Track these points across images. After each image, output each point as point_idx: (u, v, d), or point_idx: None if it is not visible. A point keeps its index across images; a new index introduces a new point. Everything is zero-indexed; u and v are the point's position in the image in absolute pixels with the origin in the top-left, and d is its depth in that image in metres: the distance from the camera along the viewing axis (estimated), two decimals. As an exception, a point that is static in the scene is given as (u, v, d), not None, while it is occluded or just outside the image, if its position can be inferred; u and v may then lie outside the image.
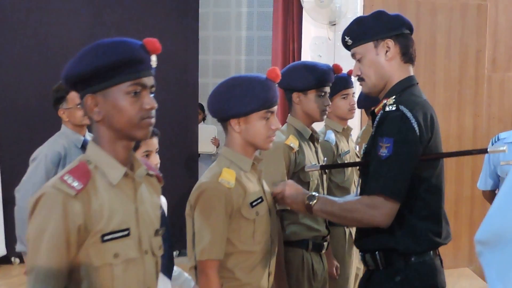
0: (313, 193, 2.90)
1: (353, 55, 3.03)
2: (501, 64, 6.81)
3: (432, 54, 6.58)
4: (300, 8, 6.67)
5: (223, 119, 2.84)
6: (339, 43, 6.36)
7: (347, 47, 3.05)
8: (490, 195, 4.94)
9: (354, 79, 4.47)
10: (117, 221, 2.06)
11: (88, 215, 1.99)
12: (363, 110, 5.67)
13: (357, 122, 6.37)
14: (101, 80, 2.06)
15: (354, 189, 4.35)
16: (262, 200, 2.84)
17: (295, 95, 3.63)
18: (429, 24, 6.57)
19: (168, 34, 7.06)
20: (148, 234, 2.19)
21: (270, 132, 2.83)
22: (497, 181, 4.83)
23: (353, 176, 4.36)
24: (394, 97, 2.85)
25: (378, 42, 2.95)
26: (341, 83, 4.30)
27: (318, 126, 4.11)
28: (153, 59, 2.13)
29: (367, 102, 5.20)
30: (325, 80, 3.65)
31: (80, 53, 2.07)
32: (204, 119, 8.66)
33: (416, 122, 2.75)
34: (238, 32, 8.39)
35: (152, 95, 2.14)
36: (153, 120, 2.13)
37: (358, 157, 4.57)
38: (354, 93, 4.48)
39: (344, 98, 4.40)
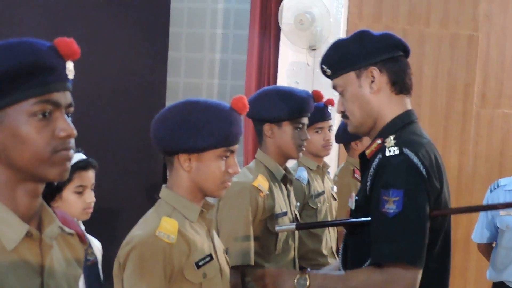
0: (300, 274, 2.32)
1: (334, 88, 2.56)
2: (490, 99, 6.40)
3: (418, 86, 6.16)
4: (278, 31, 6.24)
5: (170, 152, 2.28)
6: (319, 70, 5.97)
7: (328, 77, 2.58)
8: (486, 249, 4.48)
9: (332, 109, 4.03)
10: None
11: None
12: (341, 144, 5.16)
13: (334, 158, 5.89)
14: None
15: (328, 236, 3.86)
16: (211, 259, 2.27)
17: (266, 127, 3.10)
18: (416, 54, 6.15)
19: (134, 52, 6.63)
20: None
21: (226, 177, 2.27)
22: (495, 233, 4.38)
23: (327, 222, 3.86)
24: (393, 137, 2.36)
25: (361, 71, 2.46)
26: (315, 114, 3.75)
27: (290, 162, 3.64)
28: (69, 67, 1.54)
29: (346, 135, 4.73)
30: (303, 110, 3.14)
31: None
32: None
33: (424, 169, 2.28)
34: (212, 54, 8.09)
35: (69, 118, 1.54)
36: (71, 153, 1.52)
37: (335, 199, 4.09)
38: (331, 126, 3.97)
39: (317, 132, 3.90)
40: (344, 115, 2.53)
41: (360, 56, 2.45)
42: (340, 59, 2.47)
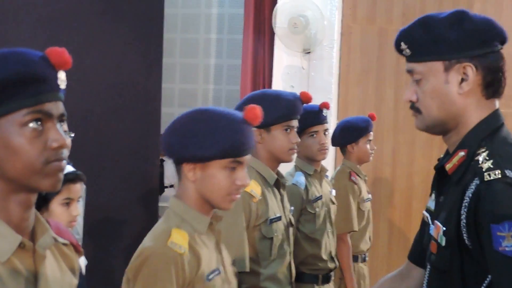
0: None
1: (409, 71, 2.08)
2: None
3: (414, 87, 6.14)
4: (272, 35, 6.22)
5: (177, 161, 2.24)
6: (314, 73, 5.97)
7: (403, 55, 2.10)
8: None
9: (328, 112, 3.97)
10: None
11: None
12: (338, 148, 5.13)
13: (331, 161, 5.87)
14: None
15: (327, 241, 3.84)
16: (219, 272, 2.23)
17: (256, 132, 3.07)
18: (411, 55, 6.11)
19: (128, 59, 6.60)
20: None
21: (233, 189, 2.21)
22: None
23: (325, 226, 3.83)
24: (486, 153, 1.92)
25: (452, 64, 1.99)
26: (309, 118, 3.72)
27: (287, 166, 3.61)
28: (61, 77, 1.52)
29: (342, 138, 4.72)
30: (291, 113, 3.11)
31: None
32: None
33: None
34: (207, 59, 8.08)
35: (61, 127, 1.52)
36: (63, 164, 1.50)
37: (334, 203, 4.06)
38: (327, 130, 3.92)
39: (312, 136, 3.84)
40: (413, 107, 2.09)
41: (455, 44, 1.98)
42: (430, 41, 2.00)
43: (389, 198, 6.13)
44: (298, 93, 3.30)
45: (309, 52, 6.04)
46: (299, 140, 3.22)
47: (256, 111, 2.27)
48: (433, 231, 2.06)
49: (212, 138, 2.19)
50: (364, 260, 4.85)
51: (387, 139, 6.06)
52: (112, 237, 6.22)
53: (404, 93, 2.12)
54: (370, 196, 4.90)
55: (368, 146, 4.71)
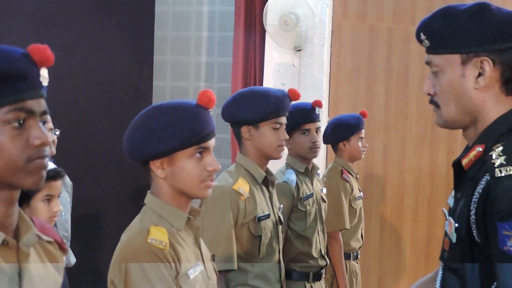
0: None
1: (427, 63, 2.04)
2: (477, 97, 6.35)
3: (405, 85, 6.16)
4: (263, 33, 6.20)
5: (142, 162, 2.21)
6: (305, 70, 5.95)
7: (424, 46, 2.06)
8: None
9: (320, 110, 3.97)
10: None
11: None
12: (329, 145, 5.12)
13: (322, 159, 5.85)
14: None
15: (318, 239, 3.83)
16: (200, 268, 2.21)
17: (244, 130, 3.08)
18: (402, 53, 6.13)
19: (120, 57, 6.59)
20: None
21: (205, 175, 2.19)
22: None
23: (316, 224, 3.83)
24: (501, 149, 1.86)
25: (469, 57, 1.94)
26: (301, 115, 3.72)
27: (278, 164, 3.60)
28: (43, 74, 1.50)
29: (334, 136, 4.71)
30: (280, 109, 3.11)
31: None
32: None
33: None
34: (198, 57, 8.06)
35: (43, 125, 1.51)
36: (46, 162, 1.49)
37: (325, 201, 4.06)
38: (319, 128, 3.91)
39: (304, 133, 3.83)
40: (432, 101, 2.04)
41: (474, 37, 1.93)
42: (448, 33, 1.96)
43: (381, 195, 6.12)
44: (278, 89, 3.30)
45: (299, 50, 6.02)
46: (288, 137, 3.21)
47: (209, 94, 2.24)
48: (447, 227, 2.00)
49: (169, 130, 2.16)
50: (356, 258, 4.86)
51: (378, 136, 6.06)
52: (102, 235, 6.21)
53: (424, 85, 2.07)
54: (361, 194, 4.90)
55: (359, 143, 4.71)
